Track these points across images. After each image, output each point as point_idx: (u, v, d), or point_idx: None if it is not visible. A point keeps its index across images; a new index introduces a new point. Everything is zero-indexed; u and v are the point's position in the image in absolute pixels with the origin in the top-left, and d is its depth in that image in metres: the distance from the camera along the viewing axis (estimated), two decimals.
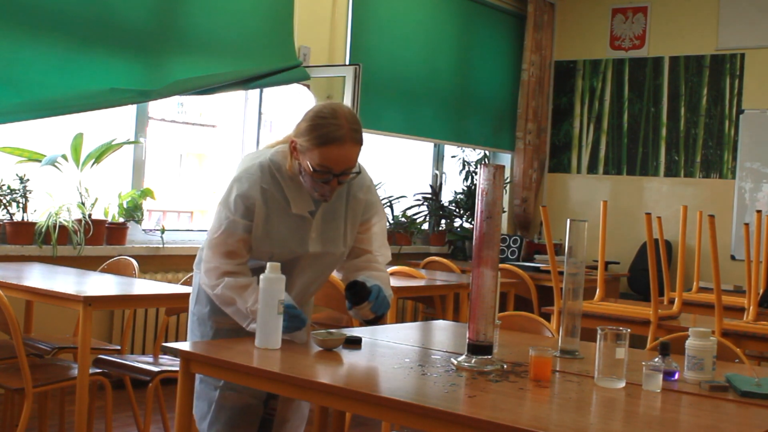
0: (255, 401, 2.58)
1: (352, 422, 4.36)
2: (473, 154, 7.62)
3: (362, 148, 2.45)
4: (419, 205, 7.15)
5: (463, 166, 7.40)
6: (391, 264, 5.52)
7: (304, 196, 2.49)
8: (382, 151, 7.14)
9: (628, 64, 7.56)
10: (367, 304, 2.45)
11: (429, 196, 7.25)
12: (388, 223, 6.67)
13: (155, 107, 5.41)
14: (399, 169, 7.32)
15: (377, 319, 2.51)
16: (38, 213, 4.61)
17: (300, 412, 2.72)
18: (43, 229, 4.51)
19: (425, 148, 7.42)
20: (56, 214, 4.57)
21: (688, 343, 2.21)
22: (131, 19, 4.83)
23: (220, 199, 2.50)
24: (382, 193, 6.68)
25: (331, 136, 2.37)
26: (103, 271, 4.13)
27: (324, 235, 2.53)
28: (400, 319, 6.18)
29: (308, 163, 2.38)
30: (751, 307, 3.81)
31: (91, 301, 3.16)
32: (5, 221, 4.51)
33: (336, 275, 2.78)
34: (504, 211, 7.54)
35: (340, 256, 2.61)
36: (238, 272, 2.46)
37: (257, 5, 5.47)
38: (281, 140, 2.56)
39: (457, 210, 7.28)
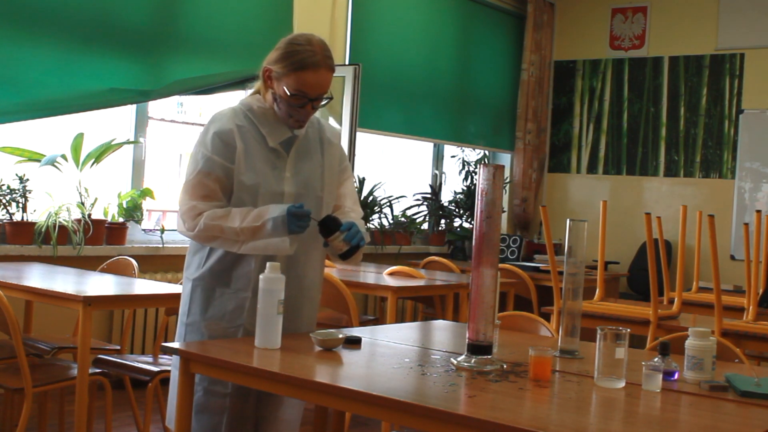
0: (264, 399, 2.57)
1: (352, 422, 4.36)
2: (473, 154, 7.62)
3: (333, 74, 2.51)
4: (419, 205, 7.14)
5: (463, 166, 7.40)
6: (390, 264, 5.52)
7: (279, 127, 2.52)
8: (382, 151, 7.14)
9: (627, 64, 7.56)
10: (339, 233, 2.43)
11: (429, 196, 7.25)
12: (388, 223, 6.69)
13: (155, 107, 5.41)
14: (399, 169, 7.32)
15: (352, 251, 2.46)
16: (38, 213, 4.61)
17: (292, 410, 2.69)
18: (43, 229, 4.51)
19: (425, 148, 7.42)
20: (56, 214, 4.57)
21: (688, 343, 2.21)
22: (131, 19, 4.83)
23: (196, 141, 2.49)
24: (381, 193, 6.68)
25: (306, 61, 2.43)
26: (103, 271, 4.13)
27: (298, 175, 2.53)
28: (400, 319, 6.18)
29: (284, 88, 2.44)
30: (751, 307, 3.81)
31: (90, 301, 3.16)
32: (5, 221, 4.51)
33: (334, 275, 2.77)
34: (504, 211, 7.54)
35: (318, 202, 2.54)
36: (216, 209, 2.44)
37: (257, 5, 5.48)
38: (248, 95, 2.60)
39: (457, 210, 7.28)
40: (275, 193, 2.48)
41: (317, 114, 2.63)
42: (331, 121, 5.65)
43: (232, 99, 6.08)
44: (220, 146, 2.44)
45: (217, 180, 2.43)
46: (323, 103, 2.50)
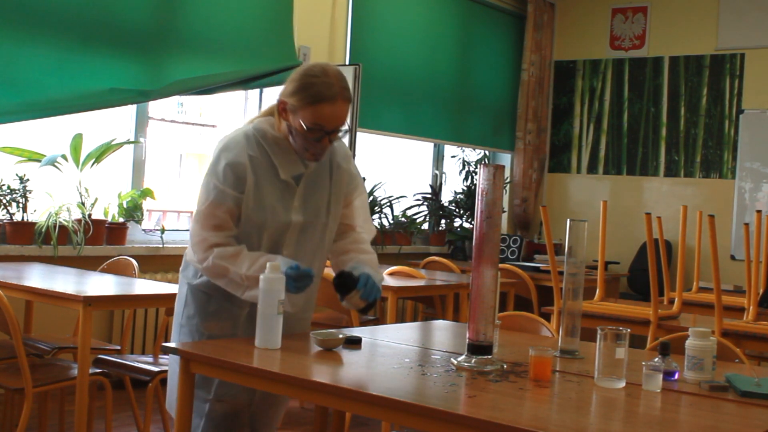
0: (244, 407, 2.57)
1: (352, 422, 4.36)
2: (473, 154, 7.62)
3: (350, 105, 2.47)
4: (419, 205, 7.14)
5: (463, 166, 7.40)
6: (391, 264, 5.53)
7: (292, 159, 2.48)
8: (382, 151, 7.14)
9: (628, 64, 7.56)
10: (356, 292, 2.43)
11: (429, 196, 7.25)
12: (388, 223, 6.68)
13: (155, 107, 5.41)
14: (399, 169, 7.32)
15: (370, 306, 2.48)
16: (38, 213, 4.61)
17: (280, 403, 2.72)
18: (43, 229, 4.51)
19: (425, 148, 7.42)
20: (56, 214, 4.57)
21: (688, 343, 2.21)
22: (131, 19, 4.83)
23: (207, 169, 2.47)
24: (381, 193, 6.69)
25: (323, 94, 2.37)
26: (103, 271, 4.13)
27: (306, 204, 2.51)
28: (400, 319, 6.17)
29: (300, 122, 2.38)
30: (751, 307, 3.81)
31: (90, 301, 3.16)
32: (5, 221, 4.51)
33: (332, 273, 2.77)
34: (504, 211, 7.54)
35: (323, 228, 2.56)
36: (226, 244, 2.43)
37: (257, 5, 5.47)
38: (259, 115, 2.56)
39: (457, 210, 7.28)
40: (282, 223, 2.48)
41: None
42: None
43: (232, 98, 6.09)
44: (231, 179, 2.41)
45: (228, 211, 2.42)
46: (340, 135, 2.46)
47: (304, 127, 2.38)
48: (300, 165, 2.49)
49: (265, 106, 2.61)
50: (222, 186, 2.41)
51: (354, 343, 2.43)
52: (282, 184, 2.48)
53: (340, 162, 2.59)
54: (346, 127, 2.45)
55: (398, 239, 6.73)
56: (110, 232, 4.88)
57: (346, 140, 5.35)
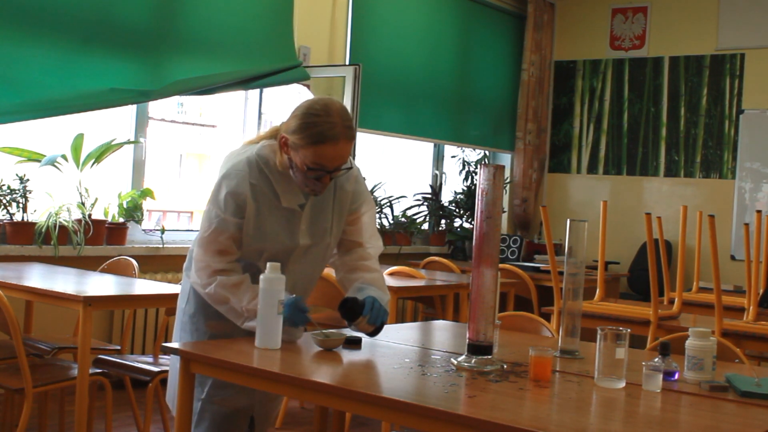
0: (241, 409, 2.57)
1: (352, 422, 4.36)
2: (473, 154, 7.62)
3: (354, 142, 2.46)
4: (419, 205, 7.14)
5: (463, 166, 7.40)
6: (391, 264, 5.53)
7: (293, 189, 2.48)
8: (382, 151, 7.14)
9: (628, 64, 7.56)
10: (362, 318, 2.44)
11: (429, 196, 7.25)
12: (388, 223, 6.68)
13: (155, 107, 5.41)
14: (399, 169, 7.32)
15: (378, 330, 2.49)
16: (38, 213, 4.61)
17: (278, 401, 2.74)
18: (43, 229, 4.51)
19: (425, 148, 7.42)
20: (56, 214, 4.57)
21: (688, 343, 2.21)
22: (131, 19, 4.83)
23: (209, 197, 2.48)
24: (381, 193, 6.68)
25: (325, 135, 2.34)
26: (103, 271, 4.13)
27: (313, 227, 2.53)
28: (400, 319, 6.18)
29: (301, 160, 2.37)
30: (751, 307, 3.81)
31: (91, 301, 3.16)
32: (5, 221, 4.51)
33: (335, 275, 2.77)
34: (504, 211, 7.54)
35: (326, 247, 2.58)
36: (229, 270, 2.45)
37: (257, 5, 5.47)
38: (264, 135, 2.55)
39: (457, 210, 7.28)
40: (286, 247, 2.49)
41: None
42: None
43: (232, 98, 6.09)
44: (232, 207, 2.42)
45: (230, 237, 2.44)
46: (341, 173, 2.45)
47: (305, 166, 2.37)
48: (301, 196, 2.50)
49: (267, 127, 2.61)
50: (223, 215, 2.42)
51: (354, 343, 2.43)
52: (286, 210, 2.49)
53: (344, 183, 2.58)
54: (348, 164, 2.45)
55: (398, 239, 6.73)
56: (110, 232, 4.88)
57: None
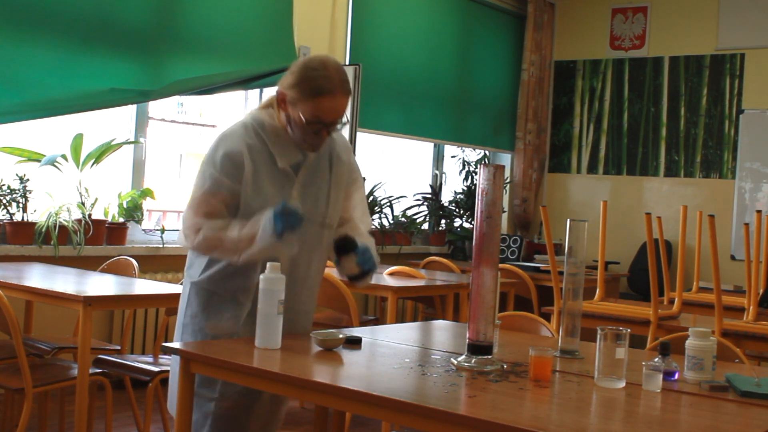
0: (249, 406, 2.57)
1: (352, 422, 4.37)
2: (473, 154, 7.62)
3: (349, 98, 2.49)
4: (419, 205, 7.15)
5: (463, 166, 7.40)
6: (391, 264, 5.52)
7: (289, 149, 2.49)
8: (382, 151, 7.14)
9: (628, 64, 7.56)
10: (353, 255, 2.45)
11: (429, 196, 7.25)
12: (388, 223, 6.68)
13: (155, 107, 5.41)
14: (399, 169, 7.32)
15: (362, 276, 2.49)
16: (38, 213, 4.61)
17: (284, 402, 2.73)
18: (43, 229, 4.51)
19: (425, 148, 7.42)
20: (56, 214, 4.57)
21: (688, 343, 2.21)
22: (131, 19, 4.83)
23: (204, 158, 2.48)
24: (381, 193, 6.69)
25: (322, 88, 2.39)
26: (103, 271, 4.13)
27: (305, 195, 2.52)
28: (400, 319, 6.18)
29: (300, 114, 2.41)
30: (751, 307, 3.81)
31: (91, 301, 3.16)
32: (5, 221, 4.51)
33: (336, 275, 2.77)
34: (504, 211, 7.54)
35: (321, 221, 2.55)
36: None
37: (257, 5, 5.47)
38: (260, 106, 2.57)
39: (457, 210, 7.28)
40: None
41: None
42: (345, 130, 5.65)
43: (232, 98, 6.09)
44: (229, 167, 2.42)
45: (222, 200, 2.43)
46: (338, 127, 2.48)
47: (303, 119, 2.40)
48: (298, 153, 2.51)
49: (265, 99, 2.62)
50: (219, 175, 2.42)
51: (354, 343, 2.43)
52: (281, 174, 2.49)
53: (341, 153, 2.61)
54: (345, 119, 2.47)
55: (398, 239, 6.73)
56: (110, 232, 4.88)
57: (346, 133, 5.35)
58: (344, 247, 2.46)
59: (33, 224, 4.55)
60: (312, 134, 2.43)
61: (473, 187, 7.19)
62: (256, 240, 2.36)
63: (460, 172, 7.40)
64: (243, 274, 2.49)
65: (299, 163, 2.51)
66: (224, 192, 2.42)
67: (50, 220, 4.54)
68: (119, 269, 4.11)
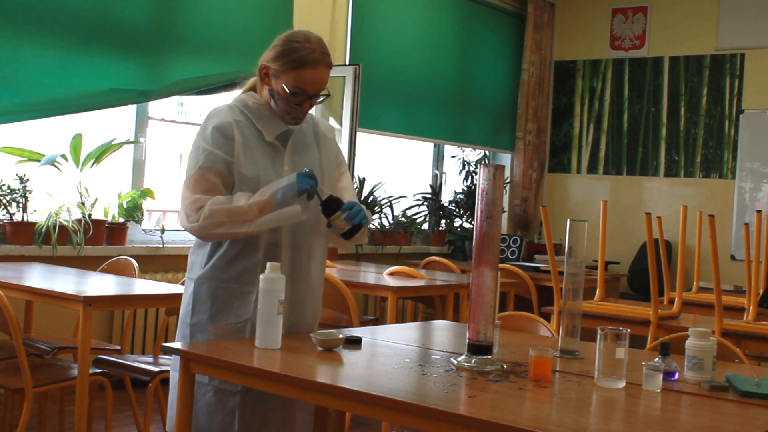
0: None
1: (352, 422, 4.36)
2: (473, 154, 7.62)
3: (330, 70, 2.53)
4: (419, 205, 7.15)
5: (463, 166, 7.40)
6: (391, 264, 5.52)
7: (274, 122, 2.53)
8: (382, 151, 7.14)
9: (628, 64, 7.56)
10: (341, 212, 2.45)
11: (429, 196, 7.25)
12: (388, 223, 6.69)
13: (155, 107, 5.41)
14: (399, 169, 7.32)
15: (355, 230, 2.47)
16: (38, 213, 4.61)
17: (306, 413, 2.65)
18: (43, 229, 4.51)
19: (425, 148, 7.42)
20: (56, 214, 4.57)
21: (688, 343, 2.21)
22: (131, 19, 4.83)
23: (195, 137, 2.50)
24: (381, 193, 6.69)
25: (305, 59, 2.45)
26: (103, 271, 4.13)
27: (297, 167, 2.53)
28: (400, 319, 6.18)
29: (283, 86, 2.45)
30: (751, 307, 3.81)
31: (91, 301, 3.16)
32: (5, 221, 4.51)
33: (335, 275, 2.77)
34: (504, 211, 7.54)
35: (316, 200, 2.53)
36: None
37: (257, 5, 5.48)
38: (242, 91, 2.62)
39: (457, 210, 7.28)
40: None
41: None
42: (332, 121, 5.65)
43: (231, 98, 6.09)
44: (220, 140, 2.45)
45: (218, 174, 2.43)
46: (320, 99, 2.53)
47: (287, 90, 2.45)
48: (282, 124, 2.54)
49: (247, 83, 2.64)
50: (211, 148, 2.44)
51: (354, 343, 2.43)
52: (270, 146, 2.52)
53: (326, 133, 2.67)
54: (326, 91, 2.52)
55: (398, 239, 6.73)
56: (110, 232, 4.88)
57: (345, 138, 5.35)
58: (330, 206, 2.45)
59: (33, 224, 4.55)
60: (295, 106, 2.48)
61: (473, 187, 7.19)
62: (273, 205, 2.37)
63: (460, 172, 7.40)
64: (247, 255, 2.47)
65: (285, 135, 2.55)
66: (219, 165, 2.43)
67: (50, 220, 4.54)
68: (119, 269, 4.11)
